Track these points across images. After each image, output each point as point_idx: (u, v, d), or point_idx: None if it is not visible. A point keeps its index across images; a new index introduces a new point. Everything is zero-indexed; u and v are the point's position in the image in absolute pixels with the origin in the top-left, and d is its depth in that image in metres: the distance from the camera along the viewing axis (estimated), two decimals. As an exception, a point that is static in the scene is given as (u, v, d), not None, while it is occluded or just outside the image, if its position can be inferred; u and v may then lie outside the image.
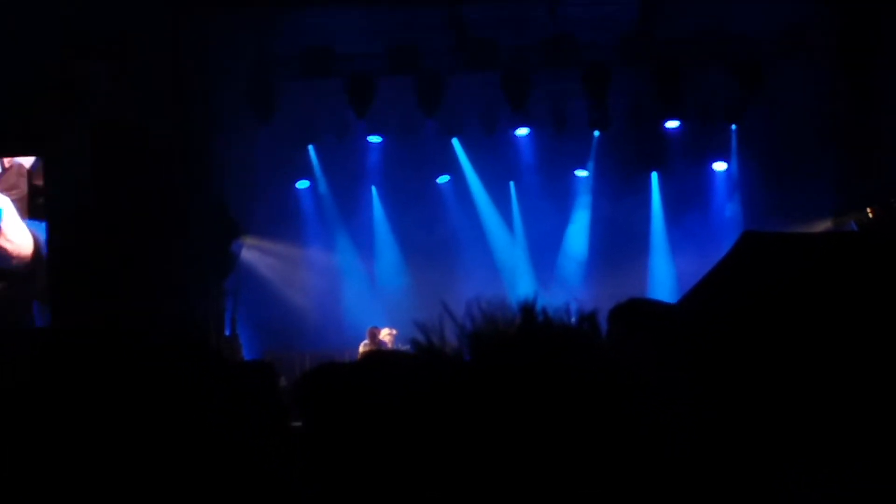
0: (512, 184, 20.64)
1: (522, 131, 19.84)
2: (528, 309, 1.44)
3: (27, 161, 15.57)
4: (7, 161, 15.59)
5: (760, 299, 2.21)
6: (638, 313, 3.04)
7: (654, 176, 20.38)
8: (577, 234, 20.59)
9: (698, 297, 2.78)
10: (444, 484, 1.30)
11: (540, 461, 1.29)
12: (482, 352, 1.40)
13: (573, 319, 1.46)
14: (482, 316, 1.43)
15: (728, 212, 19.99)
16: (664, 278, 19.96)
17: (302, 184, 20.25)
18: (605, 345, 1.51)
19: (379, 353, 7.86)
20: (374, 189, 20.56)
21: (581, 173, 20.46)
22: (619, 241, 20.03)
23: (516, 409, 1.32)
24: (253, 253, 19.17)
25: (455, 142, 20.25)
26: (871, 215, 16.18)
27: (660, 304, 3.33)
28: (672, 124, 19.34)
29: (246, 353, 17.50)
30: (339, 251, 20.46)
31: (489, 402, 1.33)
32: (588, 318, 1.47)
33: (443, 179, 20.56)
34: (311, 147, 20.02)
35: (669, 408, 1.46)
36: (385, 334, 17.57)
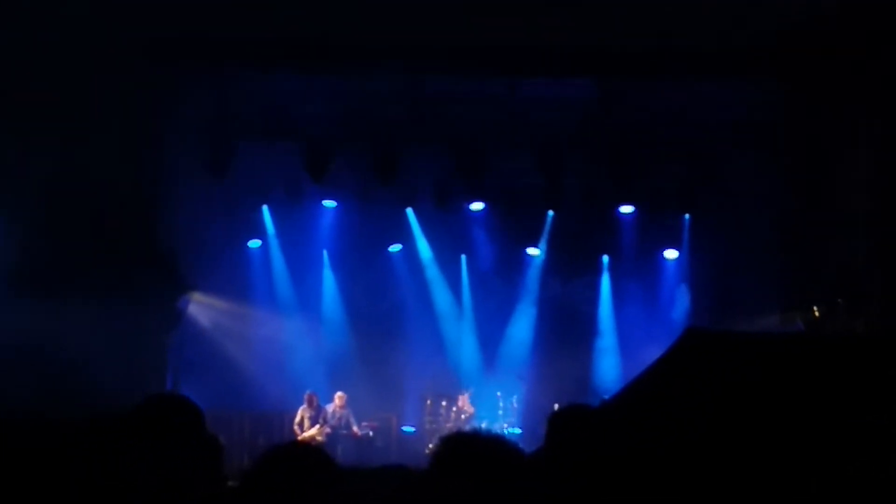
0: (463, 257, 20.63)
1: (477, 206, 19.85)
2: None
3: None
4: None
5: (702, 404, 2.19)
6: (576, 419, 3.02)
7: (605, 259, 20.44)
8: (525, 311, 20.55)
9: (637, 394, 2.75)
10: None
11: None
12: None
13: None
14: None
15: (676, 300, 20.04)
16: (609, 362, 19.96)
17: (254, 243, 20.13)
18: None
19: None
20: (325, 253, 20.47)
21: (532, 252, 20.49)
22: (566, 321, 20.06)
23: None
24: (200, 309, 18.95)
25: (409, 212, 20.25)
26: (816, 314, 16.25)
27: (596, 410, 3.33)
28: (626, 209, 19.48)
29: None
30: (286, 313, 20.29)
31: None
32: None
33: (394, 248, 20.51)
34: (264, 207, 19.99)
35: None
36: (337, 397, 18.17)
